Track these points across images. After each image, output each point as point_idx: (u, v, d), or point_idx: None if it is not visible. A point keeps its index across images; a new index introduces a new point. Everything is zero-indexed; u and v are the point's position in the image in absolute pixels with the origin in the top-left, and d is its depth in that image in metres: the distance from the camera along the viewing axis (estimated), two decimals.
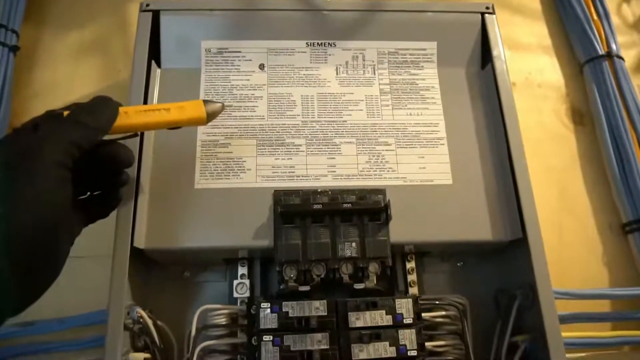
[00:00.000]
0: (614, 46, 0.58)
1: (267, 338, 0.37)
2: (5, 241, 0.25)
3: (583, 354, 0.46)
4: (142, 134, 0.41)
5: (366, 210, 0.40)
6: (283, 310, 0.38)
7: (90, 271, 0.46)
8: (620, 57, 0.58)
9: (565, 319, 0.45)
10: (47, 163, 0.27)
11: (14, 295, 0.26)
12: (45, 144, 0.27)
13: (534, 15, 0.64)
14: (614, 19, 0.62)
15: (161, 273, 0.44)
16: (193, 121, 0.35)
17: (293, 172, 0.42)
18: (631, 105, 0.55)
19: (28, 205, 0.26)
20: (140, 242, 0.39)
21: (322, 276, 0.39)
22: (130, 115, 0.33)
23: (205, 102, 0.36)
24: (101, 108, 0.32)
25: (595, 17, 0.60)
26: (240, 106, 0.45)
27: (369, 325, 0.38)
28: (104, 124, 0.32)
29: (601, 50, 0.58)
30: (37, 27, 0.57)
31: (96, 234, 0.47)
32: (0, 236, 0.24)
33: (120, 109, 0.33)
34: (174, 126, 0.35)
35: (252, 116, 0.44)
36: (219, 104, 0.37)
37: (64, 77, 0.55)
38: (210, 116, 0.36)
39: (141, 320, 0.38)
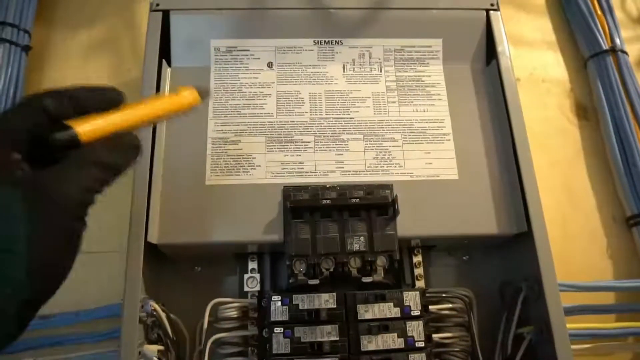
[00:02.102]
0: (617, 41, 0.59)
1: (278, 330, 0.38)
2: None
3: (588, 345, 0.47)
4: (154, 130, 0.42)
5: (374, 205, 0.40)
6: (293, 303, 0.39)
7: (105, 266, 0.47)
8: (624, 52, 0.59)
9: (570, 311, 0.46)
10: (62, 214, 0.24)
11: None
12: (60, 191, 0.24)
13: (538, 11, 0.64)
14: (618, 14, 0.62)
15: (173, 267, 0.45)
16: (190, 106, 0.34)
17: (302, 168, 0.43)
18: (635, 100, 0.55)
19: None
20: (154, 238, 0.40)
21: (331, 270, 0.39)
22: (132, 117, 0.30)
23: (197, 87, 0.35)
24: (123, 145, 0.28)
25: (599, 12, 0.60)
26: (250, 104, 0.45)
27: (378, 317, 0.39)
28: (126, 164, 0.28)
29: (605, 45, 0.58)
30: (48, 27, 0.58)
31: (110, 230, 0.48)
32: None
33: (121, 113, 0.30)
34: (173, 115, 0.33)
35: (261, 113, 0.45)
36: (207, 88, 0.38)
37: (74, 75, 0.56)
38: (203, 98, 0.35)
39: (154, 313, 0.39)
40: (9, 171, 0.24)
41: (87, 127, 0.26)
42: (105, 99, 0.29)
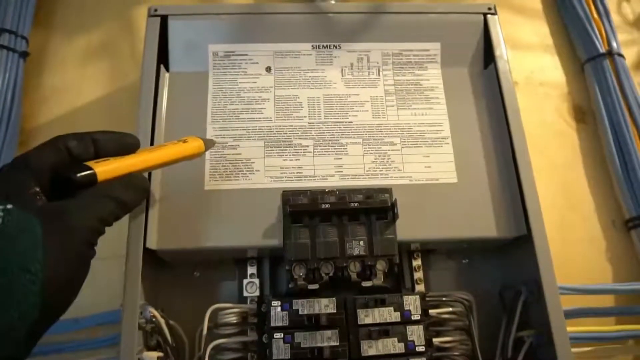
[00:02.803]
0: (614, 44, 0.59)
1: (278, 335, 0.38)
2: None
3: (588, 348, 0.47)
4: (152, 135, 0.42)
5: (373, 209, 0.40)
6: (293, 308, 0.39)
7: (103, 272, 0.47)
8: (621, 55, 0.59)
9: (570, 314, 0.46)
10: (77, 240, 0.27)
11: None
12: (75, 219, 0.27)
13: (535, 14, 0.65)
14: (615, 17, 0.62)
15: (172, 273, 0.45)
16: (194, 155, 0.39)
17: (301, 172, 0.43)
18: (632, 103, 0.56)
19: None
20: (152, 243, 0.39)
21: (331, 274, 0.39)
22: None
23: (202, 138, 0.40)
24: (135, 185, 0.33)
25: (595, 15, 0.61)
26: (248, 108, 0.45)
27: (378, 322, 0.39)
28: (136, 201, 0.33)
29: (602, 49, 0.59)
30: (46, 33, 0.58)
31: (109, 236, 0.48)
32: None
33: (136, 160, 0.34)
34: (178, 161, 0.38)
35: (259, 118, 0.45)
36: (212, 140, 0.41)
37: (72, 81, 0.56)
38: (207, 148, 0.40)
39: (154, 319, 0.39)
40: (31, 200, 0.28)
41: (105, 168, 0.30)
42: (123, 144, 0.33)
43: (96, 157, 0.31)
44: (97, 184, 0.30)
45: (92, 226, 0.28)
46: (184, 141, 0.38)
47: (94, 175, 0.29)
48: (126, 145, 0.33)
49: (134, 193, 0.32)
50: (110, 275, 0.46)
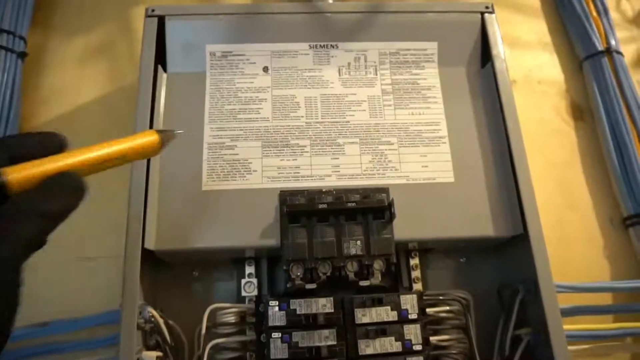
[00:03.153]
0: (613, 42, 0.59)
1: (276, 335, 0.38)
2: None
3: (585, 346, 0.47)
4: None
5: (370, 208, 0.41)
6: (291, 307, 0.39)
7: (102, 272, 0.47)
8: (620, 53, 0.59)
9: (567, 312, 0.46)
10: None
11: None
12: None
13: (533, 12, 0.65)
14: (613, 15, 0.62)
15: (171, 273, 0.45)
16: (146, 150, 0.30)
17: (298, 172, 0.43)
18: (631, 101, 0.56)
19: None
20: (151, 244, 0.40)
21: (328, 274, 0.39)
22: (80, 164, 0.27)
23: (158, 130, 0.31)
24: (61, 189, 0.25)
25: (594, 13, 0.60)
26: (245, 108, 0.45)
27: (375, 321, 0.39)
28: (66, 209, 0.25)
29: (600, 46, 0.58)
30: (44, 33, 0.58)
31: (107, 236, 0.48)
32: None
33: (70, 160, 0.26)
34: (128, 158, 0.30)
35: (257, 118, 0.45)
36: (172, 131, 0.32)
37: (71, 81, 0.56)
38: (165, 142, 0.31)
39: (152, 319, 0.39)
40: None
41: (18, 175, 0.24)
42: (42, 145, 0.26)
43: (13, 163, 0.25)
44: (13, 197, 0.24)
45: (15, 256, 0.23)
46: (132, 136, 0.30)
47: (3, 182, 0.23)
48: (48, 146, 0.26)
49: (64, 198, 0.25)
50: (109, 276, 0.47)
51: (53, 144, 0.26)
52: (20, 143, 0.26)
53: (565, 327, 0.39)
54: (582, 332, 0.46)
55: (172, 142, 0.32)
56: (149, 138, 0.30)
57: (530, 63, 0.61)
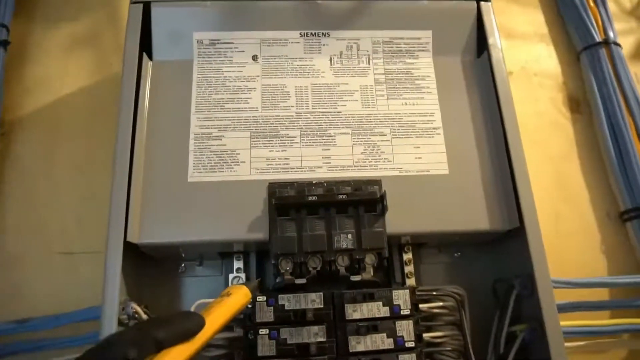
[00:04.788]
0: (611, 33, 0.58)
1: (264, 331, 0.37)
2: None
3: (582, 343, 0.46)
4: (134, 124, 0.41)
5: (362, 201, 0.39)
6: (279, 303, 0.38)
7: (87, 267, 0.46)
8: (618, 44, 0.58)
9: (563, 308, 0.45)
10: None
11: None
12: None
13: (530, 3, 0.64)
14: (611, 6, 0.61)
15: (156, 268, 0.44)
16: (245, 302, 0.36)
17: (288, 164, 0.42)
18: (628, 93, 0.55)
19: None
20: (134, 237, 0.38)
21: (318, 268, 0.38)
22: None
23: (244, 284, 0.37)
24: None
25: (592, 4, 0.60)
26: (234, 98, 0.44)
27: (366, 317, 0.38)
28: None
29: (598, 38, 0.57)
30: (28, 22, 0.57)
31: (92, 230, 0.47)
32: None
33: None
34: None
35: (245, 108, 0.44)
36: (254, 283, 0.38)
37: (55, 71, 0.55)
38: (254, 290, 0.37)
39: (136, 315, 0.38)
40: None
41: None
42: (187, 334, 0.29)
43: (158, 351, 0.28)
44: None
45: None
46: (228, 294, 0.34)
47: None
48: (190, 332, 0.29)
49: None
50: (93, 271, 0.45)
51: (193, 332, 0.29)
52: (169, 337, 0.28)
53: (561, 323, 0.38)
54: (578, 328, 0.46)
55: None
56: (244, 293, 0.35)
57: (527, 55, 0.60)
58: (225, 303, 0.33)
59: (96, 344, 0.26)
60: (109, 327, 0.35)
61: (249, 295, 0.35)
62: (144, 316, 0.38)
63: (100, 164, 0.50)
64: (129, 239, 0.38)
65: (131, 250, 0.38)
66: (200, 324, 0.29)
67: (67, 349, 0.43)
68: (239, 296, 0.34)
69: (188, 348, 0.28)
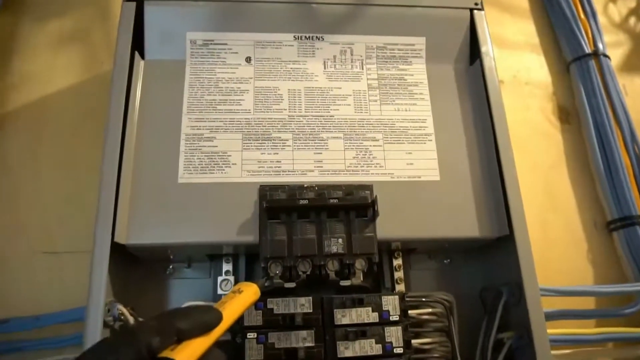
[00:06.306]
0: (600, 45, 0.59)
1: (252, 335, 0.36)
2: None
3: (568, 351, 0.46)
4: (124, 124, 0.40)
5: (353, 206, 0.39)
6: (268, 307, 0.37)
7: (72, 267, 0.45)
8: (607, 56, 0.59)
9: (550, 316, 0.45)
10: None
11: None
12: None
13: (522, 14, 0.64)
14: (601, 18, 0.62)
15: (144, 269, 0.43)
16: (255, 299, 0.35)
17: (279, 167, 0.42)
18: (617, 104, 0.55)
19: None
20: (122, 238, 0.38)
21: (308, 273, 0.38)
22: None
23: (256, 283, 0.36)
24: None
25: (582, 16, 0.60)
26: (226, 99, 0.44)
27: (355, 322, 0.38)
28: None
29: (588, 49, 0.58)
30: (15, 17, 0.56)
31: (78, 230, 0.46)
32: None
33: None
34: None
35: (237, 110, 0.43)
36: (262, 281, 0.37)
37: (43, 68, 0.54)
38: (263, 288, 0.36)
39: (122, 317, 0.37)
40: None
41: (185, 357, 0.27)
42: (206, 327, 0.29)
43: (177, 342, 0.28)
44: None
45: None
46: (239, 291, 0.34)
47: None
48: (210, 326, 0.30)
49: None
50: (78, 272, 0.44)
51: (212, 325, 0.29)
52: (190, 328, 0.28)
53: (548, 331, 0.38)
54: (564, 336, 0.46)
55: None
56: (254, 291, 0.33)
57: (518, 64, 0.61)
58: (238, 300, 0.32)
59: (120, 332, 0.27)
60: (94, 328, 0.34)
61: (259, 293, 0.34)
62: (130, 318, 0.37)
63: (87, 163, 0.49)
64: (116, 239, 0.37)
65: (118, 251, 0.38)
66: (218, 318, 0.29)
67: (49, 350, 0.42)
68: (249, 293, 0.33)
69: (206, 341, 0.28)
